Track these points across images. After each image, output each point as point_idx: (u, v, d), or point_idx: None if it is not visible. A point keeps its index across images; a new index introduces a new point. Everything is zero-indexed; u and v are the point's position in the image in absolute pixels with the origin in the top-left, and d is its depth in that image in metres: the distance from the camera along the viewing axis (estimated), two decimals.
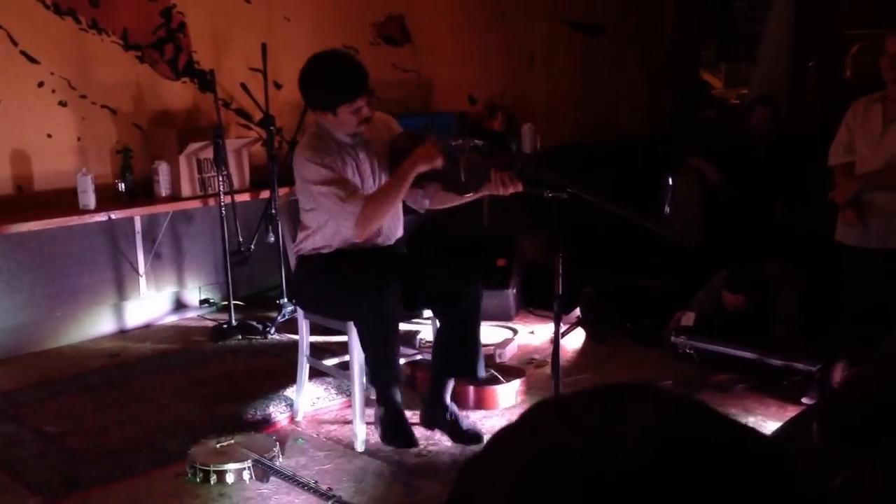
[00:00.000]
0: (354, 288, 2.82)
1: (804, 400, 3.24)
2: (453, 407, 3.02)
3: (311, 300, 3.05)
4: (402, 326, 3.63)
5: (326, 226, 2.92)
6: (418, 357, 3.35)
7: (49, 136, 3.96)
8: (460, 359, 2.94)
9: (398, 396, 2.90)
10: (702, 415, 0.51)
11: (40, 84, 3.91)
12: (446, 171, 2.79)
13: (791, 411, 3.13)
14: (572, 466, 0.48)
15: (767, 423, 3.03)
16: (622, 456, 0.47)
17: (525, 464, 0.50)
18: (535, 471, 0.49)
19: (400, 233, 3.09)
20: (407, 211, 3.09)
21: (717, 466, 0.47)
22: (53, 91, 3.95)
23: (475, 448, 2.95)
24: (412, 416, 3.12)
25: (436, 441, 2.98)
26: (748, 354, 3.50)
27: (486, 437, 3.00)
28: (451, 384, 3.03)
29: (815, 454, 1.74)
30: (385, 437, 2.90)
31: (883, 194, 3.32)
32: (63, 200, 3.88)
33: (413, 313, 3.19)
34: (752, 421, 3.14)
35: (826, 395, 3.11)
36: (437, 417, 2.99)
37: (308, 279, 3.00)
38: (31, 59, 3.87)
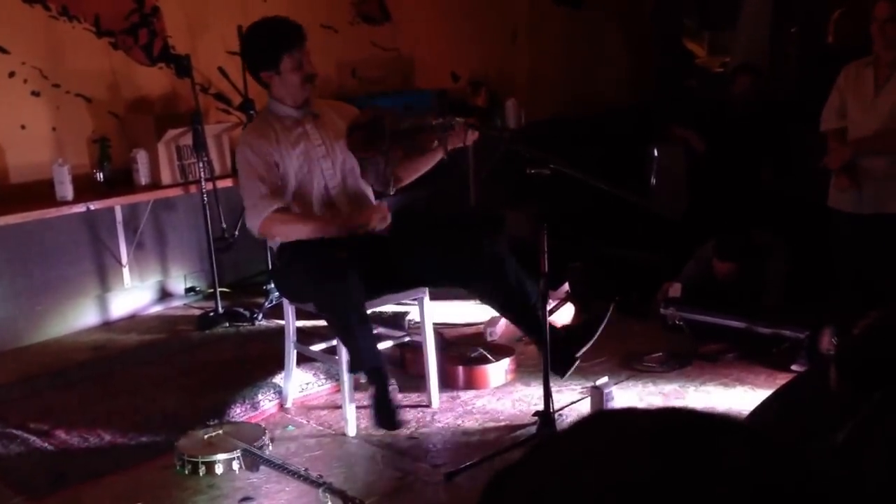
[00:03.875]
0: (313, 279, 2.79)
1: (794, 367, 3.24)
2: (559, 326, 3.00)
3: (290, 291, 3.03)
4: (393, 308, 3.62)
5: (287, 197, 2.91)
6: (407, 339, 3.33)
7: (23, 127, 3.88)
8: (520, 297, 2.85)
9: (383, 378, 2.85)
10: (793, 461, 0.49)
11: (11, 74, 3.83)
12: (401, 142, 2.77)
13: (781, 379, 3.12)
14: (654, 495, 0.45)
15: (757, 392, 3.02)
16: (714, 496, 0.45)
17: (594, 486, 0.47)
18: (602, 494, 0.46)
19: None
20: (380, 195, 3.04)
21: None
22: (25, 81, 3.87)
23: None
24: (403, 398, 3.11)
25: (426, 423, 2.97)
26: (737, 323, 3.49)
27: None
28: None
29: (812, 412, 1.73)
30: (372, 419, 2.87)
31: (876, 159, 3.29)
32: (40, 192, 3.81)
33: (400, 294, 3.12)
34: (742, 390, 3.14)
35: (842, 340, 3.08)
36: (565, 356, 2.91)
37: (286, 268, 2.98)
38: (1, 49, 3.79)
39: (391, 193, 2.88)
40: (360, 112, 2.98)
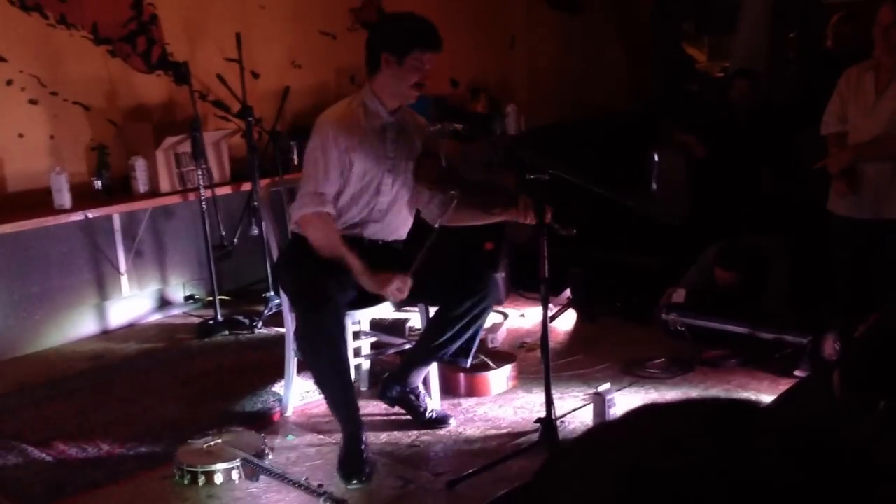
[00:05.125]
0: (302, 296, 2.74)
1: (797, 373, 3.22)
2: (422, 389, 2.99)
3: (284, 286, 3.00)
4: (394, 315, 3.60)
5: (338, 199, 2.82)
6: (407, 346, 3.30)
7: (20, 135, 3.87)
8: (452, 344, 2.85)
9: (355, 426, 2.72)
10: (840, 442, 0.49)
11: (9, 82, 3.81)
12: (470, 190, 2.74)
13: (784, 385, 3.10)
14: (704, 470, 0.45)
15: (760, 398, 3.00)
16: (767, 468, 0.45)
17: (640, 460, 0.47)
18: (650, 468, 0.46)
19: (402, 236, 2.98)
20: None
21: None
22: (23, 89, 3.85)
23: (440, 430, 2.92)
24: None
25: (428, 431, 2.94)
26: (739, 329, 3.47)
27: (453, 422, 2.98)
28: (425, 369, 2.98)
29: (815, 419, 1.71)
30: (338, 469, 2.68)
31: (876, 165, 3.27)
32: (38, 201, 3.79)
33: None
34: (745, 396, 3.12)
35: (845, 346, 3.06)
36: (401, 396, 2.95)
37: (286, 263, 2.95)
38: None
39: (435, 227, 2.83)
40: (440, 142, 2.89)
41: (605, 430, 0.53)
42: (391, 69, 2.75)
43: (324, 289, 2.65)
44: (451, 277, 2.85)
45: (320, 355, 2.68)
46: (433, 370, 3.05)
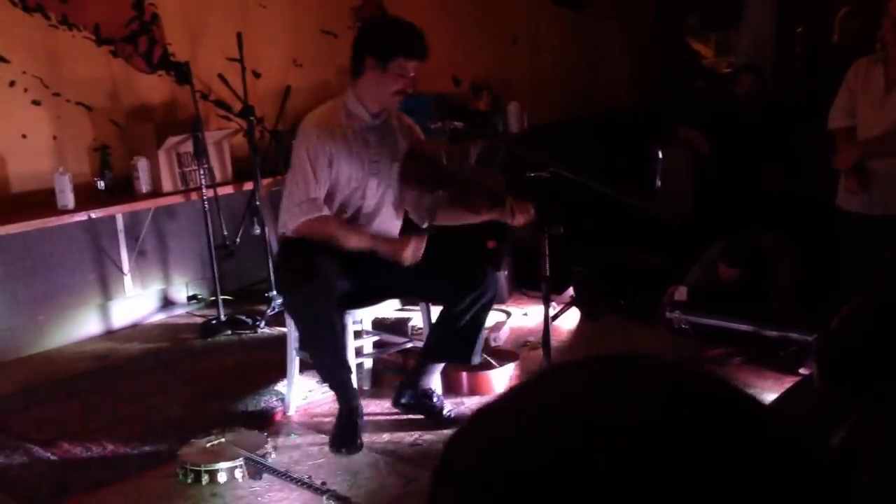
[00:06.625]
0: (294, 282, 2.75)
1: (802, 371, 3.19)
2: (434, 389, 2.99)
3: (280, 287, 3.02)
4: (396, 314, 3.60)
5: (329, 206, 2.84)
6: (409, 345, 3.30)
7: (24, 136, 3.87)
8: (457, 342, 2.87)
9: (349, 394, 2.78)
10: (711, 379, 0.51)
11: (12, 83, 3.82)
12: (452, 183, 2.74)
13: (789, 383, 3.08)
14: (577, 410, 0.47)
15: (765, 396, 2.98)
16: (631, 405, 0.47)
17: (528, 409, 0.50)
18: (539, 415, 0.48)
19: (395, 237, 2.99)
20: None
21: (728, 429, 0.47)
22: (26, 90, 3.86)
23: (449, 428, 2.92)
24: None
25: (430, 430, 2.94)
26: (744, 327, 3.46)
27: None
28: (436, 370, 2.98)
29: (817, 412, 1.71)
30: (331, 439, 2.77)
31: (886, 160, 3.23)
32: (41, 201, 3.79)
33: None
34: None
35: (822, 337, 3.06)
36: (415, 400, 2.95)
37: (282, 262, 2.96)
38: (1, 59, 3.78)
39: (423, 227, 2.84)
40: (422, 141, 2.92)
41: (511, 387, 0.55)
42: (374, 74, 2.76)
43: (317, 265, 2.67)
44: (451, 274, 2.86)
45: (312, 326, 2.70)
46: (436, 370, 3.04)
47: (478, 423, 0.52)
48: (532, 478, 0.44)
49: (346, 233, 2.79)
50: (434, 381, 3.01)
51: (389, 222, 2.96)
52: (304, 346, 2.88)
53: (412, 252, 2.75)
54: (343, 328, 2.76)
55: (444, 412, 2.98)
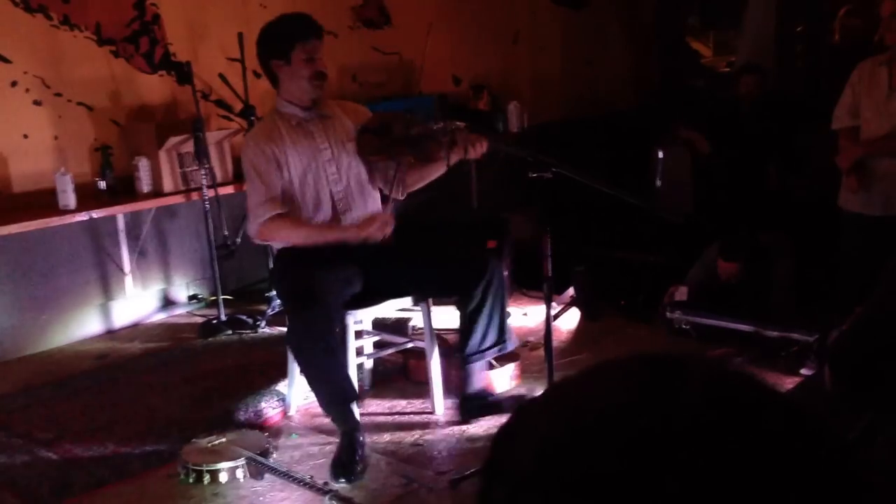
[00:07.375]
0: (293, 295, 2.75)
1: (803, 371, 3.20)
2: (486, 389, 3.01)
3: (281, 297, 3.02)
4: (396, 314, 3.60)
5: (300, 210, 2.86)
6: (410, 345, 3.30)
7: (25, 136, 3.88)
8: (487, 335, 2.87)
9: (351, 427, 2.71)
10: (753, 380, 0.52)
11: (13, 84, 3.82)
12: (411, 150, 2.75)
13: (790, 383, 3.10)
14: (630, 413, 0.48)
15: None
16: (685, 406, 0.47)
17: (580, 409, 0.50)
18: (594, 417, 0.49)
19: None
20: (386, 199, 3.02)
21: (780, 430, 0.48)
22: (27, 90, 3.86)
23: (446, 428, 2.94)
24: (407, 404, 3.10)
25: (431, 430, 2.94)
26: (745, 327, 3.46)
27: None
28: (482, 370, 2.97)
29: (832, 408, 1.72)
30: (330, 469, 2.64)
31: (888, 160, 3.24)
32: (42, 201, 3.80)
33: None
34: None
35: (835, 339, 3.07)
36: (476, 406, 2.95)
37: (281, 273, 2.97)
38: (3, 59, 3.78)
39: (401, 198, 2.86)
40: (371, 116, 2.95)
41: (557, 386, 0.57)
42: (285, 72, 2.83)
43: (315, 290, 2.65)
44: (456, 268, 2.88)
45: (310, 354, 2.68)
46: (434, 369, 3.05)
47: (525, 423, 0.53)
48: (592, 482, 0.46)
49: (308, 231, 2.81)
50: (483, 379, 3.02)
51: (371, 202, 2.97)
52: (303, 374, 2.81)
53: (378, 228, 2.73)
54: (345, 353, 2.77)
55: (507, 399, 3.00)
